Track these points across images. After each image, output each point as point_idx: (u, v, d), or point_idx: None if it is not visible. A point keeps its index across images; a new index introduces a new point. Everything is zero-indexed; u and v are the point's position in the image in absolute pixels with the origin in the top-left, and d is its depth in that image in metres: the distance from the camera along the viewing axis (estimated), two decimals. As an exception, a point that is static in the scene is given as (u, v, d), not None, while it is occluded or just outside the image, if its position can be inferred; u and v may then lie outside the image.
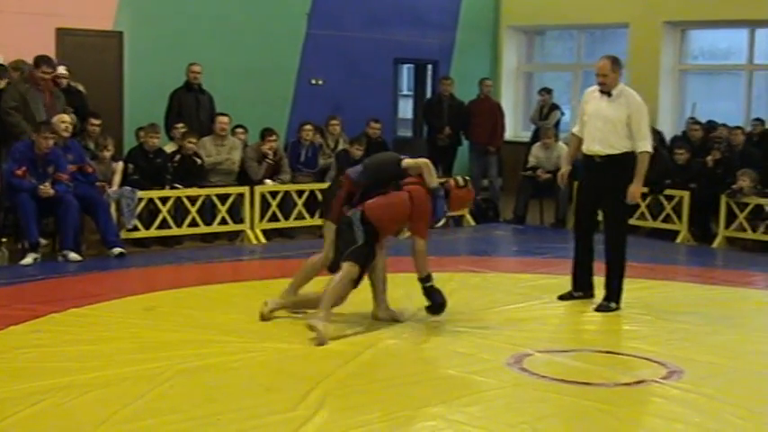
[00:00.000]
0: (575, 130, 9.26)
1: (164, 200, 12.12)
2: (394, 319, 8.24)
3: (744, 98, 17.36)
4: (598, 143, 8.85)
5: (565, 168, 9.40)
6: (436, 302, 8.19)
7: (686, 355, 7.51)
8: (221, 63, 14.88)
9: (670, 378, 6.84)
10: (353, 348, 7.37)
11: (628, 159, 8.79)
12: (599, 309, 8.93)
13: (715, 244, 13.16)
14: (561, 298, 9.27)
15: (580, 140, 9.09)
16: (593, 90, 9.04)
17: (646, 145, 8.74)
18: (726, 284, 10.44)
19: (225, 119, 13.17)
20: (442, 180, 8.79)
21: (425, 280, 8.15)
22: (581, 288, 9.27)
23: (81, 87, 12.86)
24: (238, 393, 6.28)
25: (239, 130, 13.77)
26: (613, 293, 8.97)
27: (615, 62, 8.92)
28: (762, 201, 12.90)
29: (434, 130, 16.24)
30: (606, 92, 8.87)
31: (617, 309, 8.92)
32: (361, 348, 7.37)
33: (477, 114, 16.06)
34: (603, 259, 9.03)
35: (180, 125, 13.06)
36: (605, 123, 8.81)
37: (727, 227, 13.17)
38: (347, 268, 7.78)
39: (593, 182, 8.97)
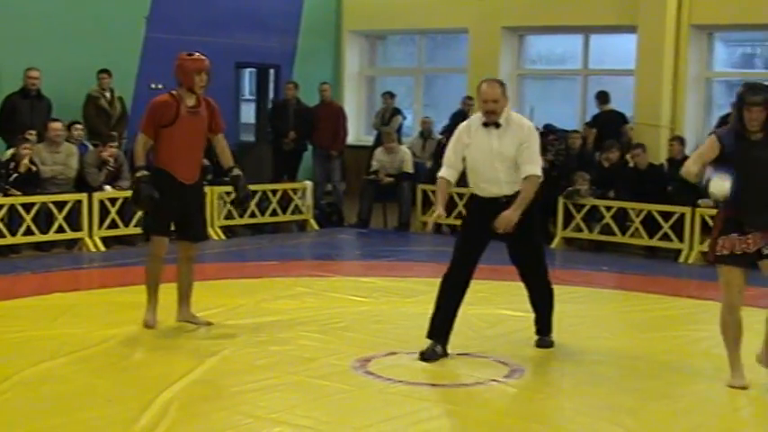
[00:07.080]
0: (444, 173, 7.60)
1: (-3, 208, 11.77)
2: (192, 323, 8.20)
3: (579, 102, 17.81)
4: (504, 184, 7.50)
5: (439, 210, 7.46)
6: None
7: (526, 353, 7.67)
8: (58, 66, 14.48)
9: (511, 377, 6.97)
10: (196, 356, 7.28)
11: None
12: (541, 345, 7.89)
13: (553, 244, 13.47)
14: None
15: (449, 183, 7.64)
16: (474, 124, 7.62)
17: (536, 168, 7.57)
18: (564, 284, 10.65)
19: (58, 125, 12.74)
20: None
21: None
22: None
23: None
24: (79, 405, 6.13)
25: (78, 125, 13.49)
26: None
27: (504, 85, 7.70)
28: (597, 202, 13.28)
29: (280, 135, 16.19)
30: (493, 122, 7.53)
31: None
32: (203, 356, 7.27)
33: (320, 119, 16.06)
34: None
35: (32, 131, 12.69)
36: (503, 161, 7.50)
37: (564, 228, 13.53)
38: None
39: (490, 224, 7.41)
